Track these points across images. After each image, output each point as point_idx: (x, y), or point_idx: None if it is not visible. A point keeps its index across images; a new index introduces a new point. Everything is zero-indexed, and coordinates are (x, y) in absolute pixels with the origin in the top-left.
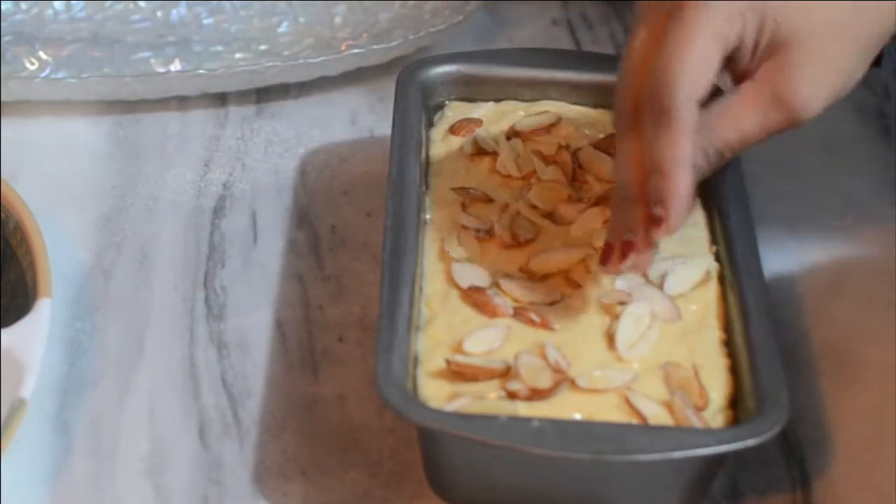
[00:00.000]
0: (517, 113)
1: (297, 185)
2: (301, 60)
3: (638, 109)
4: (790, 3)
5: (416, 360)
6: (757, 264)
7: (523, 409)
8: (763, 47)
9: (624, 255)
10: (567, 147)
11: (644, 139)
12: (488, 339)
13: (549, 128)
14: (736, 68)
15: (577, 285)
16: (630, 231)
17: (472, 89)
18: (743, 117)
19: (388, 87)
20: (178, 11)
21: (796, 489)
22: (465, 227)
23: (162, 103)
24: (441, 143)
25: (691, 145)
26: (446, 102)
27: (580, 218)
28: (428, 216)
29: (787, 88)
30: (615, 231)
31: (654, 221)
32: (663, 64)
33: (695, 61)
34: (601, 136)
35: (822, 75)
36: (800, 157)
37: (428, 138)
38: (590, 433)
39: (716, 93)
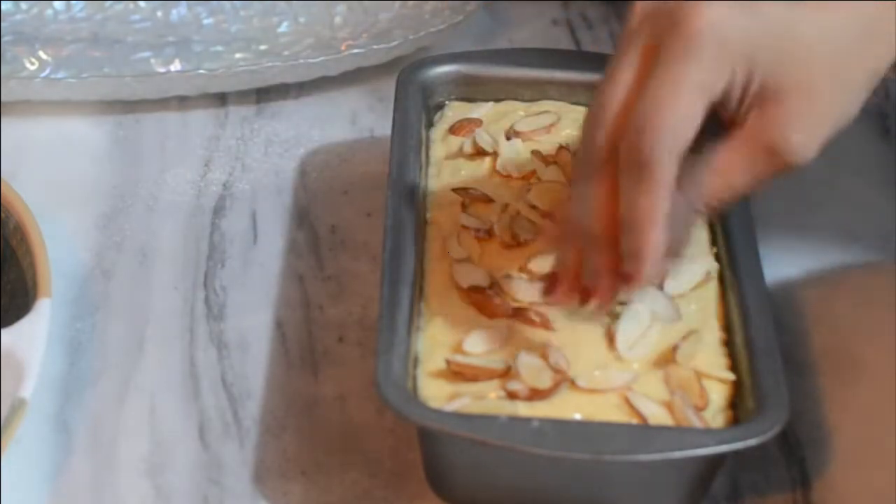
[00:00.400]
0: (517, 113)
1: (297, 185)
2: (301, 60)
3: (612, 156)
4: (781, 53)
5: (416, 360)
6: (757, 264)
7: (523, 409)
8: (752, 96)
9: (584, 300)
10: (567, 147)
11: (619, 191)
12: (488, 339)
13: (549, 128)
14: (724, 114)
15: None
16: (592, 277)
17: (472, 89)
18: (734, 170)
19: (388, 87)
20: (178, 11)
21: (796, 489)
22: (465, 227)
23: (162, 103)
24: (441, 143)
25: (669, 201)
26: (446, 102)
27: None
28: (428, 216)
29: (779, 138)
30: (565, 268)
31: (623, 277)
32: (646, 116)
33: (679, 116)
34: None
35: (815, 122)
36: None
37: (428, 138)
38: (590, 433)
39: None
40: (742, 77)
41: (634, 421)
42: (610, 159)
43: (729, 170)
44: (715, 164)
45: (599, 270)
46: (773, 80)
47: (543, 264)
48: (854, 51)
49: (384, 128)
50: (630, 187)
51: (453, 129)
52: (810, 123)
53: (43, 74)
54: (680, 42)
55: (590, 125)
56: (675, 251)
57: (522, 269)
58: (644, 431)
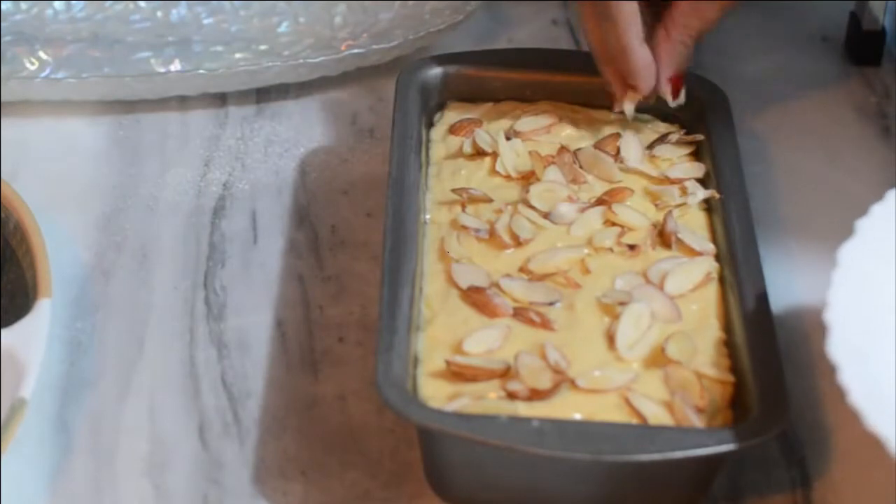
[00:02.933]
0: (517, 113)
1: (297, 185)
2: (301, 60)
3: None
4: None
5: (416, 360)
6: (757, 264)
7: (523, 409)
8: None
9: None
10: (567, 147)
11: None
12: (488, 339)
13: (549, 128)
14: None
15: (577, 285)
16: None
17: (472, 89)
18: (703, 8)
19: (388, 87)
20: (178, 11)
21: (796, 489)
22: (465, 227)
23: (162, 103)
24: (441, 143)
25: (637, 29)
26: (446, 102)
27: (580, 218)
28: (428, 216)
29: None
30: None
31: (631, 88)
32: None
33: None
34: (601, 136)
35: None
36: (800, 157)
37: (428, 138)
38: (590, 433)
39: None
40: None
41: (634, 421)
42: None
43: (699, 6)
44: (683, 4)
45: (614, 81)
46: None
47: (543, 264)
48: None
49: (384, 128)
50: (604, 28)
51: (453, 129)
52: None
53: (43, 74)
54: None
55: None
56: (678, 66)
57: (522, 269)
58: (644, 431)
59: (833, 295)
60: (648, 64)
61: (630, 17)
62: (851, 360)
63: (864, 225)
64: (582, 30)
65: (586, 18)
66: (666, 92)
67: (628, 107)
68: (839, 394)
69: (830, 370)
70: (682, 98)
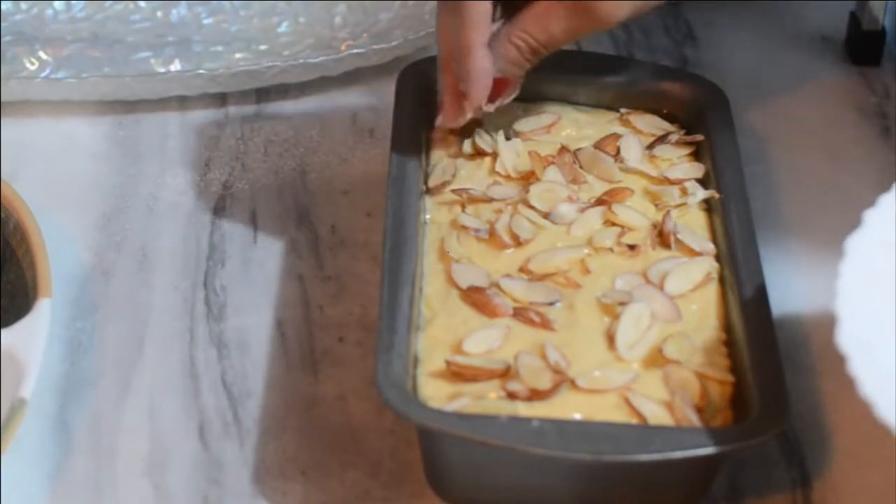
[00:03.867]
0: (517, 113)
1: (297, 185)
2: (301, 60)
3: None
4: None
5: (416, 360)
6: (757, 264)
7: (523, 409)
8: None
9: (438, 112)
10: (567, 147)
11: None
12: (488, 339)
13: (549, 128)
14: None
15: (577, 285)
16: (443, 95)
17: None
18: (550, 19)
19: (388, 87)
20: (178, 11)
21: (796, 489)
22: (465, 227)
23: (162, 103)
24: (441, 143)
25: (483, 34)
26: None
27: (580, 218)
28: (428, 216)
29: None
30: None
31: (462, 95)
32: None
33: None
34: (601, 136)
35: None
36: (800, 157)
37: (428, 138)
38: (589, 433)
39: None
40: None
41: (634, 421)
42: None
43: (546, 16)
44: (534, 8)
45: (446, 89)
46: None
47: (543, 264)
48: None
49: (384, 128)
50: (449, 23)
51: (453, 129)
52: None
53: (43, 74)
54: None
55: None
56: (504, 68)
57: (522, 269)
58: (644, 431)
59: (841, 286)
60: (486, 70)
61: (479, 18)
62: (860, 350)
63: (871, 216)
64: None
65: (439, 15)
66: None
67: (442, 122)
68: (839, 393)
69: (830, 370)
70: (492, 107)
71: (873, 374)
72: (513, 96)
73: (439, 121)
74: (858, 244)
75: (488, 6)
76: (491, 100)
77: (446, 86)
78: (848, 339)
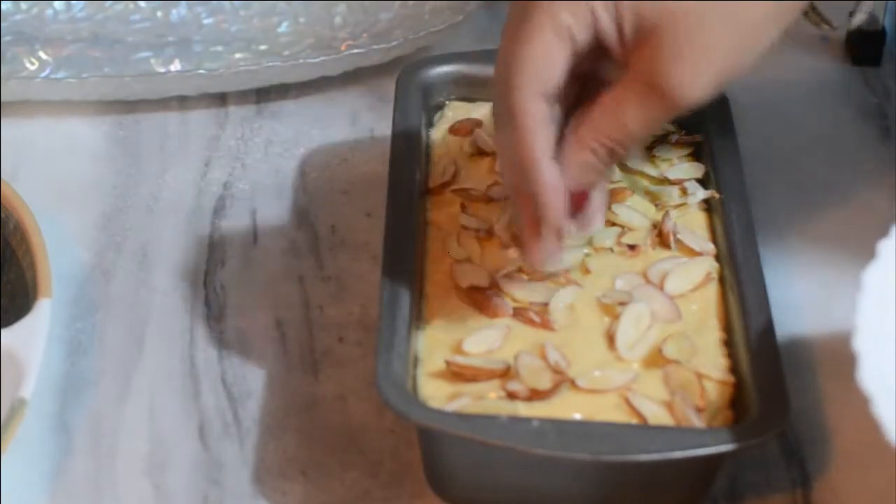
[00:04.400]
0: None
1: (297, 185)
2: (301, 60)
3: None
4: None
5: (416, 360)
6: (757, 264)
7: (523, 409)
8: (630, 35)
9: (523, 250)
10: None
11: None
12: (488, 339)
13: None
14: (614, 58)
15: (578, 285)
16: (520, 230)
17: (472, 89)
18: (622, 111)
19: (388, 87)
20: (178, 11)
21: (796, 489)
22: (465, 227)
23: (162, 103)
24: (441, 143)
25: (545, 142)
26: (446, 102)
27: None
28: (428, 216)
29: (659, 76)
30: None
31: (538, 221)
32: (502, 64)
33: (534, 60)
34: None
35: (699, 58)
36: (800, 157)
37: (428, 138)
38: (589, 433)
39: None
40: (608, 17)
41: (634, 421)
42: None
43: (617, 108)
44: (603, 102)
45: (526, 224)
46: (647, 16)
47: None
48: None
49: (384, 128)
50: (507, 136)
51: (453, 129)
52: (693, 59)
53: (43, 74)
54: None
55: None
56: (582, 179)
57: (522, 269)
58: (644, 431)
59: (859, 321)
60: (556, 184)
61: (536, 124)
62: (881, 388)
63: (886, 247)
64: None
65: (497, 135)
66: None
67: (544, 260)
68: (839, 393)
69: (830, 370)
70: (594, 225)
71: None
72: (602, 215)
73: (527, 261)
74: (874, 276)
75: (544, 109)
76: (573, 216)
77: (525, 219)
78: (868, 377)
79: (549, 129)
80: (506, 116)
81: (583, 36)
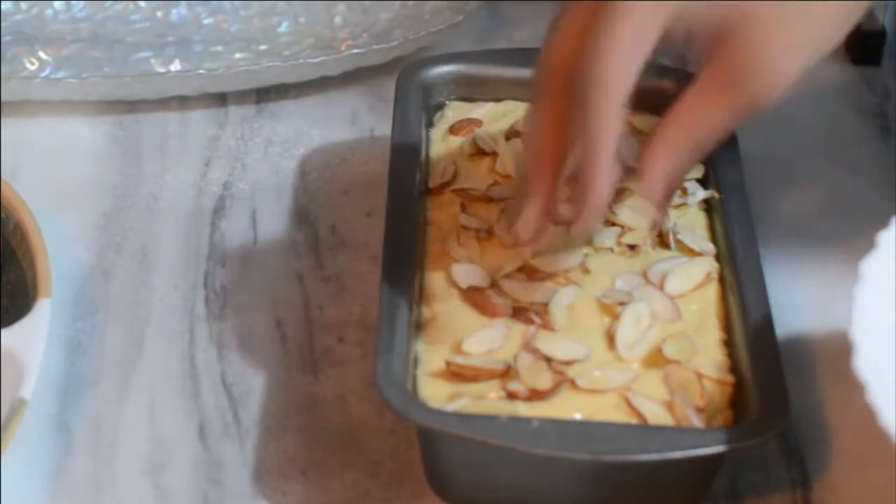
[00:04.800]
0: (517, 113)
1: (297, 185)
2: (301, 60)
3: (565, 89)
4: None
5: (416, 360)
6: (757, 264)
7: (523, 409)
8: (717, 27)
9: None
10: None
11: (570, 129)
12: (488, 339)
13: None
14: (698, 55)
15: (577, 285)
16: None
17: (472, 89)
18: (707, 107)
19: (388, 87)
20: (178, 11)
21: (796, 489)
22: (465, 227)
23: (162, 103)
24: (441, 143)
25: (614, 141)
26: (446, 102)
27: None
28: (428, 216)
29: (744, 69)
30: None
31: (552, 209)
32: (591, 60)
33: (615, 67)
34: None
35: (785, 54)
36: (800, 157)
37: (428, 138)
38: (589, 433)
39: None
40: (694, 9)
41: (634, 421)
42: (558, 93)
43: (700, 104)
44: (687, 102)
45: (533, 193)
46: (736, 9)
47: (544, 264)
48: None
49: (384, 128)
50: (577, 130)
51: (453, 129)
52: (779, 55)
53: (43, 74)
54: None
55: (539, 61)
56: (672, 174)
57: (522, 269)
58: (644, 431)
59: (857, 311)
60: (606, 193)
61: (615, 123)
62: (877, 377)
63: (885, 238)
64: (528, 126)
65: (542, 111)
66: (655, 196)
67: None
68: (839, 393)
69: (830, 370)
70: (663, 219)
71: (891, 401)
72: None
73: (511, 231)
74: (873, 267)
75: (622, 111)
76: (661, 208)
77: (536, 189)
78: (864, 365)
79: (620, 130)
80: (584, 103)
81: (659, 33)
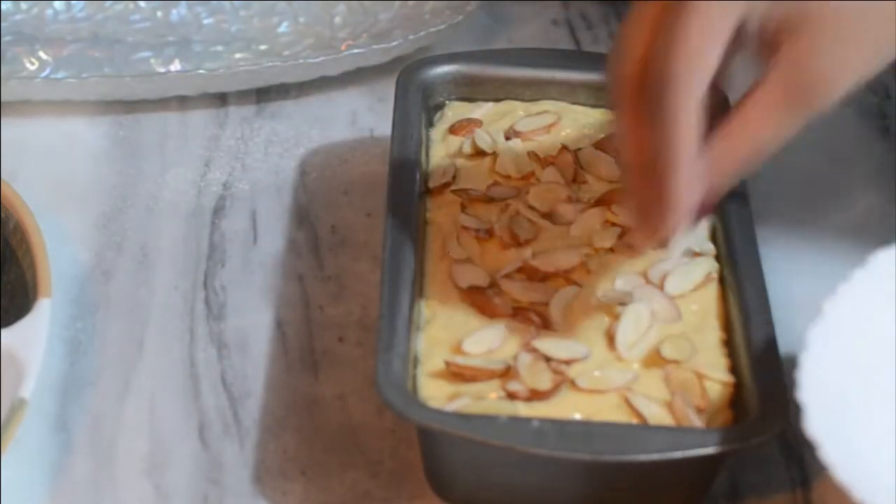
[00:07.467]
0: (517, 113)
1: (297, 185)
2: (301, 60)
3: (636, 93)
4: None
5: (416, 360)
6: (757, 264)
7: (523, 409)
8: (775, 31)
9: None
10: (567, 147)
11: (646, 124)
12: (488, 340)
13: (549, 128)
14: (759, 56)
15: (577, 285)
16: (633, 213)
17: (472, 89)
18: (769, 117)
19: (388, 87)
20: (178, 11)
21: (796, 489)
22: (465, 227)
23: (162, 103)
24: (441, 143)
25: (691, 146)
26: (446, 102)
27: (580, 218)
28: (428, 216)
29: (812, 68)
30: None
31: (654, 223)
32: (659, 64)
33: (690, 63)
34: (601, 136)
35: (848, 56)
36: (800, 157)
37: (428, 138)
38: (589, 433)
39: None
40: (758, 11)
41: (634, 421)
42: (635, 96)
43: (762, 115)
44: (745, 110)
45: (639, 205)
46: (797, 10)
47: (544, 264)
48: None
49: (384, 128)
50: (653, 131)
51: (453, 129)
52: (842, 57)
53: (43, 74)
54: None
55: (614, 57)
56: (717, 187)
57: (522, 270)
58: (644, 431)
59: (804, 375)
60: (691, 197)
61: (692, 123)
62: (831, 436)
63: (830, 305)
64: (614, 131)
65: (623, 115)
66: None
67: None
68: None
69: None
70: (698, 229)
71: (847, 458)
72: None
73: (632, 240)
74: (819, 335)
75: (699, 108)
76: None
77: (640, 199)
78: (817, 426)
79: (697, 134)
80: (659, 111)
81: (729, 33)
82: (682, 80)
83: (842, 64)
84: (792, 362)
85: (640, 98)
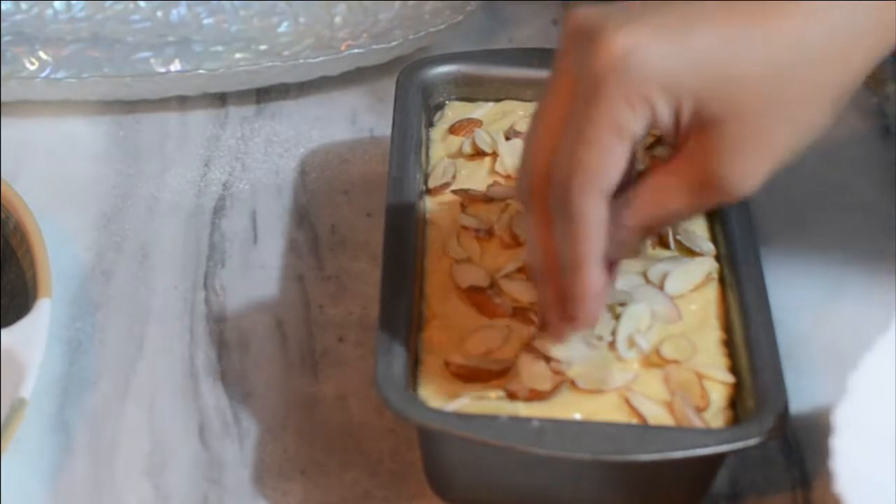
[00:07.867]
0: (517, 113)
1: (297, 185)
2: (301, 60)
3: (545, 192)
4: (711, 81)
5: (416, 360)
6: (757, 264)
7: (523, 409)
8: (686, 125)
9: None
10: None
11: (552, 230)
12: (488, 340)
13: None
14: (669, 143)
15: None
16: (544, 312)
17: (472, 89)
18: (668, 196)
19: (388, 87)
20: (178, 11)
21: (796, 489)
22: (465, 227)
23: (162, 103)
24: (441, 143)
25: (600, 243)
26: (446, 102)
27: None
28: (428, 216)
29: (714, 170)
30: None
31: (568, 317)
32: (564, 163)
33: (596, 160)
34: None
35: (755, 152)
36: (800, 157)
37: (428, 138)
38: (589, 433)
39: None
40: (668, 109)
41: (634, 421)
42: (543, 195)
43: (662, 193)
44: (649, 184)
45: (549, 305)
46: (707, 109)
47: None
48: (802, 75)
49: (384, 128)
50: (560, 231)
51: (453, 129)
52: (750, 154)
53: (43, 74)
54: (590, 80)
55: (522, 161)
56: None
57: (522, 270)
58: (644, 431)
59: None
60: (600, 292)
61: (598, 226)
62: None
63: (855, 380)
64: (525, 231)
65: (535, 216)
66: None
67: (558, 342)
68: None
69: (830, 370)
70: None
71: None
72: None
73: (542, 337)
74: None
75: (603, 211)
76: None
77: (548, 300)
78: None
79: (603, 231)
80: (565, 212)
81: (642, 129)
82: (584, 188)
83: (755, 165)
84: (792, 362)
85: (547, 204)
